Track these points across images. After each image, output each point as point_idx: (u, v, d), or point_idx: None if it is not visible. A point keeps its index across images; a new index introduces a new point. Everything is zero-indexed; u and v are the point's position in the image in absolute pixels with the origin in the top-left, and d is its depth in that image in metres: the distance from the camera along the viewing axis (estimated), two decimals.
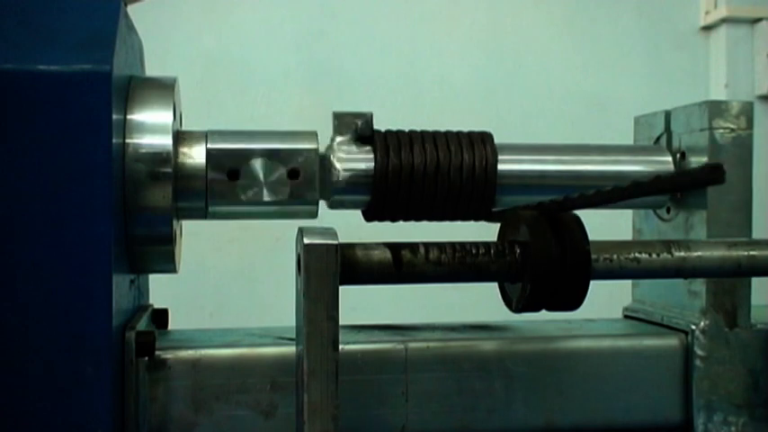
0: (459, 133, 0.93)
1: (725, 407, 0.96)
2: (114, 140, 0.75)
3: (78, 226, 0.73)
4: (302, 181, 0.87)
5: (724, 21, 3.26)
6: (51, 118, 0.72)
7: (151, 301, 1.03)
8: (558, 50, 3.24)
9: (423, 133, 0.92)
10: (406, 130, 0.92)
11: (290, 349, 0.85)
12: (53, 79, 0.73)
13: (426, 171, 0.89)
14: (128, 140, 0.81)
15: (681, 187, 0.66)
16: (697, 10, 3.35)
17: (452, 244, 0.78)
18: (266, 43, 3.08)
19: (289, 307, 0.79)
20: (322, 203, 0.91)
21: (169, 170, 0.82)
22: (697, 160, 0.97)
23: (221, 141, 0.87)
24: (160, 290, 1.08)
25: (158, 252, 0.86)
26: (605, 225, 0.99)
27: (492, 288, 0.86)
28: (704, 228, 0.96)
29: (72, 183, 0.72)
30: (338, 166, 0.89)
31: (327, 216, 0.93)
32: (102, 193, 0.73)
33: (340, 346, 0.73)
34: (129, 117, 0.82)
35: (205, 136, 0.87)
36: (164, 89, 0.86)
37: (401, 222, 0.95)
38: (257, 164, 0.86)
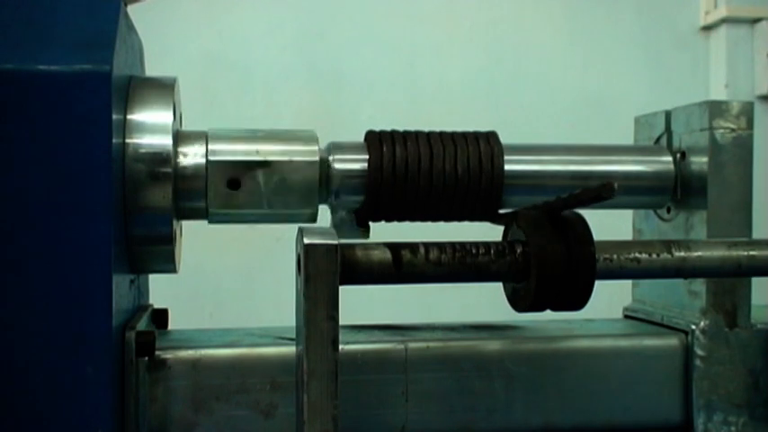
0: (464, 133, 0.92)
1: (725, 407, 0.96)
2: (114, 140, 0.75)
3: (78, 226, 0.73)
4: (301, 184, 0.87)
5: (724, 21, 3.26)
6: (51, 118, 0.72)
7: (151, 301, 1.03)
8: (558, 50, 3.25)
9: (418, 132, 0.91)
10: (408, 130, 0.92)
11: (290, 349, 0.85)
12: (53, 79, 0.72)
13: (421, 167, 0.88)
14: (128, 140, 0.81)
15: (581, 203, 0.76)
16: (697, 10, 3.35)
17: (452, 244, 0.78)
18: (266, 43, 3.08)
19: (289, 307, 0.79)
20: (322, 205, 0.91)
21: (169, 170, 0.82)
22: (697, 160, 0.97)
23: (221, 149, 0.86)
24: (160, 290, 1.09)
25: (158, 252, 0.86)
26: (605, 225, 0.99)
27: (492, 288, 0.86)
28: (704, 228, 0.97)
29: (72, 183, 0.72)
30: (335, 167, 0.89)
31: (327, 216, 0.93)
32: (102, 193, 0.73)
33: (340, 346, 0.73)
34: (129, 117, 0.82)
35: (205, 136, 0.87)
36: (164, 89, 0.86)
37: (401, 223, 0.94)
38: (258, 174, 0.86)
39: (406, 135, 0.91)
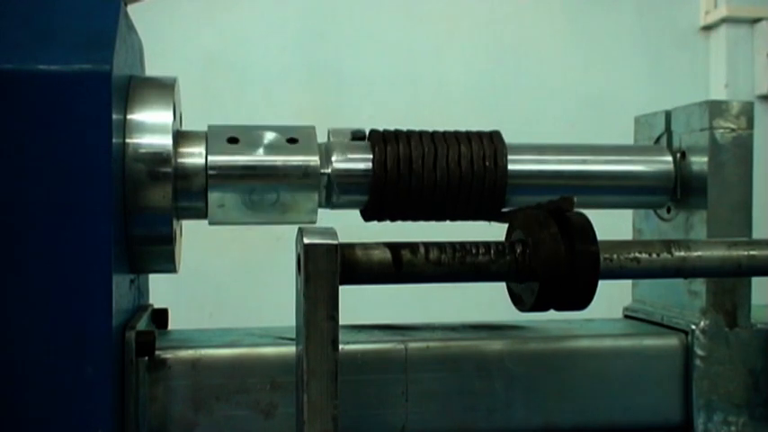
0: (467, 132, 0.92)
1: (725, 407, 0.96)
2: (114, 140, 0.75)
3: (78, 226, 0.73)
4: (301, 184, 0.87)
5: (724, 21, 3.26)
6: (51, 118, 0.72)
7: (151, 301, 1.03)
8: (558, 50, 3.24)
9: (422, 131, 0.91)
10: (412, 130, 0.92)
11: (290, 349, 0.84)
12: (53, 79, 0.72)
13: (426, 166, 0.88)
14: (128, 140, 0.81)
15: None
16: (697, 10, 3.35)
17: (452, 244, 0.78)
18: (266, 43, 3.08)
19: (289, 307, 0.79)
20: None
21: (169, 170, 0.82)
22: (697, 160, 0.98)
23: (220, 155, 0.86)
24: (160, 290, 1.08)
25: (158, 252, 0.86)
26: (605, 225, 0.99)
27: (493, 288, 0.86)
28: (704, 228, 0.97)
29: (72, 182, 0.72)
30: (336, 166, 0.89)
31: (328, 216, 0.93)
32: (102, 193, 0.73)
33: (340, 346, 0.73)
34: (129, 117, 0.82)
35: (205, 136, 0.87)
36: (164, 89, 0.86)
37: (401, 223, 0.94)
38: (257, 184, 0.86)
39: (409, 134, 0.91)
